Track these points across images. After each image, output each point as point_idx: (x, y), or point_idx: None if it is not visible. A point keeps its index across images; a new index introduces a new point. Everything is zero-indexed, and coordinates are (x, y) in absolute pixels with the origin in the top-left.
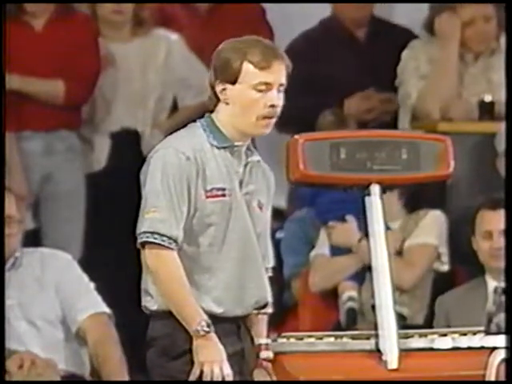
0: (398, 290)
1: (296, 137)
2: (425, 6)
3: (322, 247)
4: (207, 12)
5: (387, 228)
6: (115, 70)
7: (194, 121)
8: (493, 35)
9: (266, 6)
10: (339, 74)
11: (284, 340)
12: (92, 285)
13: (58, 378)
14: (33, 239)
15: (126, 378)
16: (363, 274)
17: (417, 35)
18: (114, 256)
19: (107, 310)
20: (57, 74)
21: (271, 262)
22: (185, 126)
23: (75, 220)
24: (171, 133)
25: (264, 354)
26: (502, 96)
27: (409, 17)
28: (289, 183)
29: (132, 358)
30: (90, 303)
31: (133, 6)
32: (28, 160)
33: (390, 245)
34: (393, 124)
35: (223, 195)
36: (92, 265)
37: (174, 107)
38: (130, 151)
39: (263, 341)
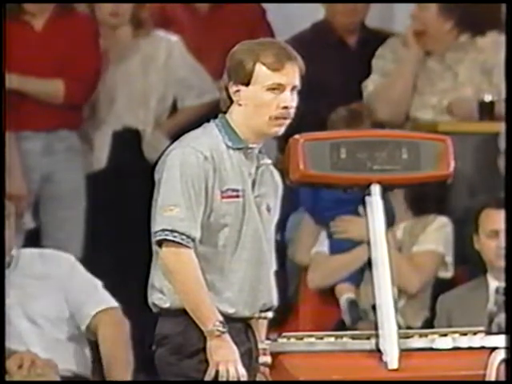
0: (403, 294)
1: (296, 137)
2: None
3: (322, 245)
4: (207, 12)
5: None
6: (116, 69)
7: (208, 120)
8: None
9: (267, 6)
10: (326, 79)
11: (284, 340)
12: (100, 283)
13: (58, 378)
14: (33, 239)
15: (129, 378)
16: (359, 275)
17: None
18: (114, 256)
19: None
20: (57, 73)
21: (274, 266)
22: (186, 126)
23: (75, 220)
24: (172, 133)
25: (262, 359)
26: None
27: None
28: (289, 183)
29: (133, 358)
30: (101, 299)
31: (131, 8)
32: (28, 160)
33: (393, 245)
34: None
35: (237, 196)
36: (92, 265)
37: (174, 108)
38: (130, 151)
39: (262, 345)
